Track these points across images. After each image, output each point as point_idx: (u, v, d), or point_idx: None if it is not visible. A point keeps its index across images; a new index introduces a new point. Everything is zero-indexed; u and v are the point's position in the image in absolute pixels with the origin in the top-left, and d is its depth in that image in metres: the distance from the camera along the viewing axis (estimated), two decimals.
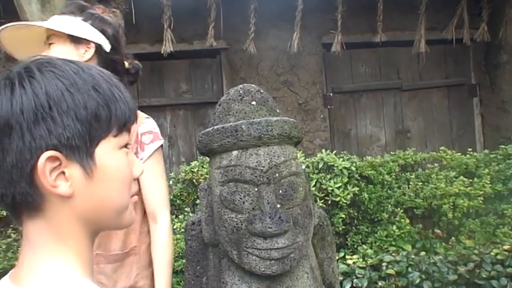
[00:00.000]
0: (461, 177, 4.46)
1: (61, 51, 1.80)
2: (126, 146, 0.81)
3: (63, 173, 0.72)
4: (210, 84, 5.46)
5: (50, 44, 1.81)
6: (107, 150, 0.76)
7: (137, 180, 1.87)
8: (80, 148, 0.73)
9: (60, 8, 3.36)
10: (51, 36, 1.81)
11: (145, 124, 1.96)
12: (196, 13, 4.93)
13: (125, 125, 0.79)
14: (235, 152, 1.92)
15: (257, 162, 1.87)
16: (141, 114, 1.95)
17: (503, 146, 4.84)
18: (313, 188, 3.92)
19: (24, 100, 0.69)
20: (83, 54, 1.82)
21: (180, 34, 4.97)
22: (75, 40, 1.82)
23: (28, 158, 0.69)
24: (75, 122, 0.71)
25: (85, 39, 1.82)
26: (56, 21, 1.81)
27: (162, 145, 2.02)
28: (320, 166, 4.09)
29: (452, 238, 4.35)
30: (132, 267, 1.91)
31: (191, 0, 4.69)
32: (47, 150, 0.70)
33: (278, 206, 1.85)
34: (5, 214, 3.83)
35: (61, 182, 0.72)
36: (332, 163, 4.09)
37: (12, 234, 3.83)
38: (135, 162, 0.83)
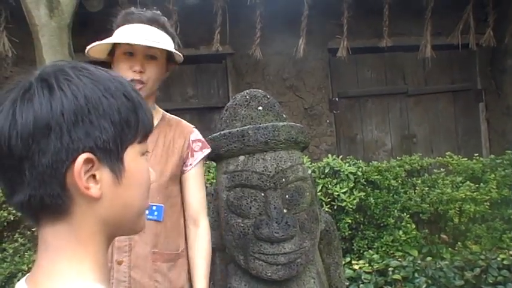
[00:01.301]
0: (468, 182, 4.46)
1: (160, 66, 1.89)
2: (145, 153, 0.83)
3: (94, 176, 0.73)
4: (216, 89, 5.47)
5: (151, 56, 1.85)
6: (133, 156, 0.78)
7: (179, 185, 1.91)
8: (112, 152, 0.74)
9: (68, 13, 3.38)
10: (152, 49, 1.84)
11: (194, 133, 2.00)
12: (202, 18, 4.95)
13: (148, 133, 0.81)
14: (242, 157, 1.93)
15: (264, 167, 1.88)
16: (187, 123, 2.02)
17: (509, 151, 4.83)
18: (319, 193, 3.93)
19: (65, 102, 0.70)
20: (165, 73, 1.96)
21: (186, 39, 4.99)
22: (170, 59, 1.92)
23: (64, 159, 0.70)
24: (110, 125, 0.73)
25: (174, 60, 1.93)
26: (161, 38, 1.85)
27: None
28: (326, 171, 4.10)
29: (459, 243, 4.34)
30: (182, 269, 1.94)
31: (197, 6, 4.71)
32: (83, 152, 0.71)
33: (285, 211, 1.86)
34: (12, 219, 3.84)
35: (92, 184, 0.73)
36: (338, 168, 4.09)
37: (19, 239, 3.84)
38: (150, 169, 0.85)
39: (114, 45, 1.86)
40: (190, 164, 1.93)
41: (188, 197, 1.93)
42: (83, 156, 0.71)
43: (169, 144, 1.90)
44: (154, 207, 1.81)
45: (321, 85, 5.46)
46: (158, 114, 1.96)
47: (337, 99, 5.60)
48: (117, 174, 0.75)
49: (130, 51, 1.82)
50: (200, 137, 1.99)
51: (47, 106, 0.69)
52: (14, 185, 0.71)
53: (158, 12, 1.94)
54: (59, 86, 0.71)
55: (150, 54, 1.84)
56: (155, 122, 1.88)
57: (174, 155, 1.89)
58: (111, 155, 0.74)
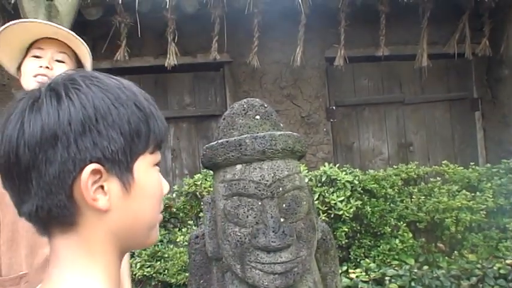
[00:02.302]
0: (464, 191, 4.47)
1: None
2: (157, 164, 0.82)
3: (102, 187, 0.72)
4: (213, 97, 5.49)
5: (58, 61, 1.84)
6: (143, 167, 0.77)
7: None
8: (121, 162, 0.73)
9: (67, 22, 3.40)
10: (60, 53, 1.84)
11: None
12: (200, 27, 4.97)
13: (160, 143, 0.80)
14: (239, 166, 1.94)
15: (261, 176, 1.88)
16: None
17: (505, 160, 4.85)
18: (316, 202, 3.93)
19: (72, 111, 0.69)
20: None
21: (184, 47, 5.00)
22: (79, 65, 1.89)
23: (71, 169, 0.69)
24: (119, 136, 0.72)
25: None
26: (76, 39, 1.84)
27: None
28: (323, 179, 4.11)
29: (455, 252, 4.35)
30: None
31: (195, 14, 4.72)
32: (90, 162, 0.70)
33: (282, 220, 1.86)
34: None
35: (100, 195, 0.72)
36: (335, 176, 4.10)
37: None
38: (163, 181, 0.84)
39: (24, 56, 1.85)
40: None
41: None
42: (91, 167, 0.70)
43: None
44: None
45: (318, 93, 5.47)
46: None
47: (334, 107, 5.62)
48: (126, 186, 0.74)
49: (39, 55, 1.82)
50: None
51: (54, 115, 0.69)
52: (22, 194, 0.71)
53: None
54: (67, 95, 0.70)
55: (58, 58, 1.83)
56: None
57: None
58: (120, 165, 0.73)
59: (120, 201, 0.74)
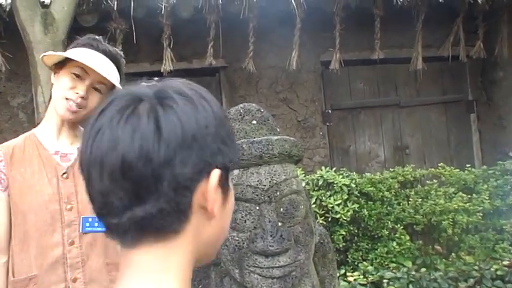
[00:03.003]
0: (460, 193, 4.49)
1: (100, 100, 1.82)
2: None
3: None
4: None
5: (95, 89, 1.82)
6: (230, 180, 0.77)
7: None
8: (228, 172, 0.74)
9: (62, 29, 3.40)
10: (100, 84, 1.82)
11: None
12: (195, 32, 4.98)
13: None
14: (236, 171, 1.94)
15: (258, 181, 1.89)
16: None
17: (501, 162, 4.87)
18: (314, 205, 3.94)
19: (209, 116, 0.70)
20: None
21: (179, 53, 5.01)
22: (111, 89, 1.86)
23: (201, 172, 0.69)
24: (230, 146, 0.74)
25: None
26: (110, 69, 1.83)
27: None
28: (320, 183, 4.12)
29: (452, 254, 4.36)
30: None
31: (190, 20, 4.74)
32: (215, 168, 0.70)
33: (279, 224, 1.87)
34: None
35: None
36: (332, 180, 4.11)
37: None
38: None
39: (66, 60, 1.82)
40: None
41: None
42: (217, 171, 0.70)
43: None
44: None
45: (314, 97, 5.49)
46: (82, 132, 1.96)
47: (330, 111, 5.64)
48: (226, 194, 0.75)
49: (79, 74, 1.79)
50: None
51: (192, 119, 0.69)
52: (141, 196, 0.67)
53: (121, 52, 1.95)
54: (199, 102, 0.71)
55: (96, 86, 1.81)
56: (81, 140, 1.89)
57: None
58: (227, 174, 0.74)
59: (219, 211, 0.74)
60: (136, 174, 0.66)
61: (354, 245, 4.24)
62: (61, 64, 1.82)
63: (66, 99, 1.78)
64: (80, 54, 1.78)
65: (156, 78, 0.76)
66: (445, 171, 4.76)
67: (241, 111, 2.08)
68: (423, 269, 4.04)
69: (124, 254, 0.72)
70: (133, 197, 0.67)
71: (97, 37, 1.92)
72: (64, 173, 1.79)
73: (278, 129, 2.12)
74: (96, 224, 1.79)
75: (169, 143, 0.66)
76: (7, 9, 4.16)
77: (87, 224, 1.78)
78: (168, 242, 0.70)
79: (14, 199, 1.75)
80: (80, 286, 1.77)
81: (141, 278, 0.70)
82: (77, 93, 1.77)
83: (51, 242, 1.74)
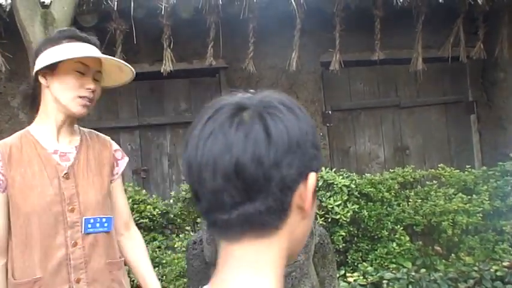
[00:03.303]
0: (460, 194, 4.49)
1: (100, 88, 1.90)
2: None
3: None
4: (209, 103, 5.48)
5: (95, 79, 1.85)
6: None
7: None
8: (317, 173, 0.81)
9: (62, 28, 3.39)
10: (98, 73, 1.87)
11: (113, 142, 2.04)
12: (195, 32, 4.98)
13: None
14: None
15: None
16: (103, 134, 2.04)
17: (501, 163, 4.87)
18: None
19: (307, 125, 0.79)
20: None
21: (179, 53, 5.01)
22: None
23: (302, 175, 0.77)
24: (320, 153, 0.82)
25: None
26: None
27: None
28: (320, 184, 4.11)
29: (452, 255, 4.36)
30: (125, 275, 2.01)
31: (191, 20, 4.73)
32: (312, 171, 0.78)
33: None
34: None
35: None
36: (332, 181, 4.11)
37: None
38: None
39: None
40: (117, 173, 1.99)
41: (118, 205, 2.01)
42: (314, 174, 0.78)
43: (99, 156, 1.92)
44: (104, 219, 1.84)
45: (314, 98, 5.49)
46: (77, 130, 1.95)
47: (330, 112, 5.63)
48: (314, 197, 0.82)
49: (82, 72, 1.80)
50: (117, 146, 2.05)
51: (296, 126, 0.77)
52: (255, 193, 0.74)
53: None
54: (298, 111, 0.80)
55: (96, 77, 1.85)
56: (77, 138, 1.90)
57: (104, 166, 1.92)
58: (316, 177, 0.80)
59: (310, 210, 0.82)
60: (248, 175, 0.73)
61: (353, 245, 4.24)
62: (53, 66, 1.78)
63: (80, 97, 1.80)
64: (73, 50, 1.78)
65: (251, 90, 0.86)
66: (445, 172, 4.76)
67: None
68: (423, 270, 4.04)
69: (225, 248, 0.79)
70: (245, 195, 0.74)
71: (71, 29, 1.93)
72: (65, 173, 1.79)
73: None
74: (97, 225, 1.81)
75: (278, 147, 0.74)
76: (7, 9, 4.16)
77: (89, 225, 1.79)
78: (268, 238, 0.77)
79: (15, 200, 1.73)
80: (83, 287, 1.78)
81: (241, 270, 0.77)
82: (88, 89, 1.81)
83: (54, 244, 1.74)
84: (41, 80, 1.80)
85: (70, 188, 1.78)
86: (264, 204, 0.74)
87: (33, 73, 1.84)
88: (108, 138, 2.04)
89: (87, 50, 1.81)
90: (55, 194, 1.75)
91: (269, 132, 0.74)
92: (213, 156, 0.74)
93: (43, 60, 1.78)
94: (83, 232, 1.78)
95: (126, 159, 2.05)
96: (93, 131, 2.03)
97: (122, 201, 2.04)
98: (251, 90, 0.85)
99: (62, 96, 1.79)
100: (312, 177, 0.77)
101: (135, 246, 2.04)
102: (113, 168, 1.97)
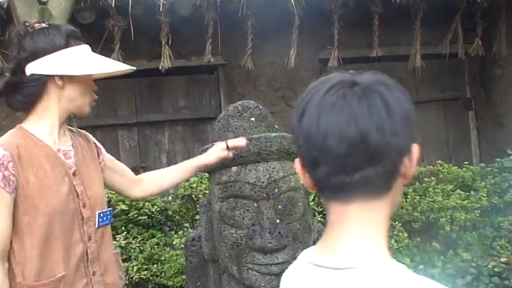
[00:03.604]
0: (458, 190, 4.49)
1: None
2: None
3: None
4: (208, 100, 5.49)
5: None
6: None
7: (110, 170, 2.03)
8: None
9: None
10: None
11: (89, 134, 2.08)
12: (194, 29, 4.97)
13: None
14: (234, 168, 1.95)
15: (256, 177, 1.89)
16: (80, 129, 2.09)
17: (499, 159, 4.88)
18: (312, 203, 3.94)
19: (409, 100, 0.87)
20: None
21: (177, 50, 5.01)
22: None
23: (409, 145, 0.86)
24: None
25: None
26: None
27: None
28: None
29: (450, 251, 4.36)
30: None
31: (189, 17, 4.73)
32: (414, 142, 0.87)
33: (278, 221, 1.87)
34: None
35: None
36: None
37: None
38: None
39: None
40: (103, 160, 2.03)
41: (122, 168, 2.11)
42: (417, 146, 0.87)
43: (88, 152, 1.95)
44: (107, 212, 1.90)
45: None
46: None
47: None
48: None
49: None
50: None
51: (406, 101, 0.86)
52: (377, 158, 0.81)
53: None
54: (402, 88, 0.88)
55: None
56: (69, 136, 1.92)
57: (95, 160, 1.97)
58: None
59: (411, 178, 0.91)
60: (372, 142, 0.80)
61: None
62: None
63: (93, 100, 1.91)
64: (102, 63, 1.85)
65: (351, 71, 0.92)
66: (443, 168, 4.76)
67: (239, 108, 2.08)
68: (421, 266, 4.04)
69: (338, 208, 0.87)
70: (368, 160, 0.81)
71: (73, 28, 1.91)
72: (74, 171, 1.82)
73: (276, 127, 2.12)
74: (105, 218, 1.88)
75: (395, 118, 0.82)
76: (4, 6, 4.15)
77: (100, 220, 1.86)
78: (379, 200, 0.86)
79: (31, 201, 1.70)
80: (98, 278, 1.83)
81: (356, 227, 0.85)
82: (94, 91, 1.90)
83: (73, 240, 1.78)
84: (58, 81, 1.77)
85: (79, 185, 1.81)
86: (383, 169, 0.82)
87: (45, 74, 1.76)
88: (84, 131, 2.07)
89: (114, 64, 1.89)
90: (69, 192, 1.77)
91: (388, 104, 0.82)
92: (339, 125, 0.81)
93: (64, 63, 1.76)
94: (96, 226, 1.84)
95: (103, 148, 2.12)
96: (71, 127, 2.04)
97: (122, 164, 2.13)
98: (350, 71, 0.92)
99: (80, 99, 1.83)
100: (416, 147, 0.87)
101: (151, 177, 2.16)
102: (98, 158, 2.01)
